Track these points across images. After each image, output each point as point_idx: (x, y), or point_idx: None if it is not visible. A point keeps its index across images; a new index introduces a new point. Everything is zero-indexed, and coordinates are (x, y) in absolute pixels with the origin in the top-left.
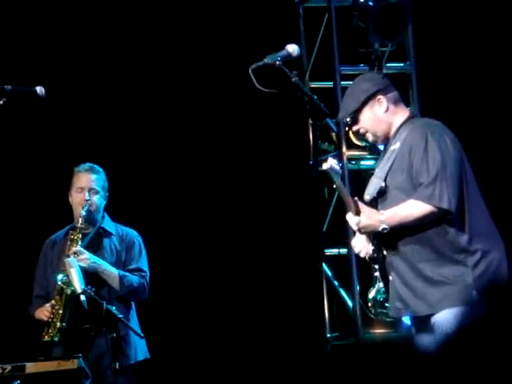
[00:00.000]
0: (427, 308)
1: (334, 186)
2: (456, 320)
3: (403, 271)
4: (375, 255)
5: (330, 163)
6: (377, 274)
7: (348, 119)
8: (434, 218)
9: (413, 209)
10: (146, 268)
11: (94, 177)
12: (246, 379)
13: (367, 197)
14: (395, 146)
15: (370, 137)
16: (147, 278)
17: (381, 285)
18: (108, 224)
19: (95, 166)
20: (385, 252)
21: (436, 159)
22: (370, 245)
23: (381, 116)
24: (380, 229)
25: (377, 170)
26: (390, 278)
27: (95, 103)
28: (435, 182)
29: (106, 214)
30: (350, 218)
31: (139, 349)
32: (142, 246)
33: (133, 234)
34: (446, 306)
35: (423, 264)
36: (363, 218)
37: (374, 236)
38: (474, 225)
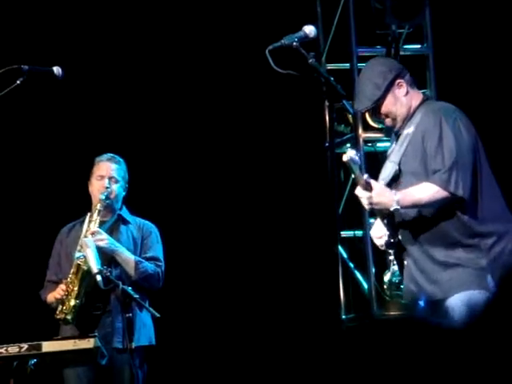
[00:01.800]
0: (441, 292)
1: (353, 177)
2: (469, 304)
3: (417, 256)
4: (391, 240)
5: (350, 154)
6: (391, 257)
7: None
8: (446, 204)
9: (427, 192)
10: (161, 258)
11: (114, 166)
12: (261, 362)
13: (381, 181)
14: (409, 129)
15: (388, 121)
16: (162, 268)
17: (395, 268)
18: (126, 214)
19: (116, 156)
20: (400, 237)
21: (451, 147)
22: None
23: (402, 100)
24: (392, 208)
25: (391, 153)
26: (406, 262)
27: (116, 95)
28: (451, 170)
29: (124, 206)
30: (361, 193)
31: (143, 334)
32: (159, 236)
33: (150, 225)
34: (460, 289)
35: (436, 249)
36: (375, 195)
37: (389, 221)
38: (488, 208)
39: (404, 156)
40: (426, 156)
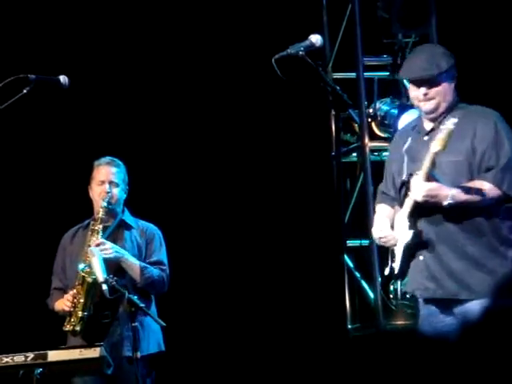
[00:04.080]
0: (467, 293)
1: (427, 166)
2: (494, 312)
3: (443, 252)
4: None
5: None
6: (398, 251)
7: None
8: (496, 203)
9: (483, 189)
10: (165, 261)
11: (114, 170)
12: (266, 370)
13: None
14: (448, 124)
15: (431, 104)
16: (167, 272)
17: (396, 267)
18: (128, 217)
19: (115, 159)
20: (419, 228)
21: (507, 148)
22: (396, 231)
23: (451, 91)
24: (445, 202)
25: (412, 147)
26: (421, 257)
27: (117, 97)
28: (505, 170)
29: (125, 209)
30: (422, 184)
31: (152, 341)
32: (162, 239)
33: (153, 227)
34: (487, 295)
35: (469, 247)
36: (435, 187)
37: (413, 211)
38: None
39: (447, 148)
40: (474, 155)
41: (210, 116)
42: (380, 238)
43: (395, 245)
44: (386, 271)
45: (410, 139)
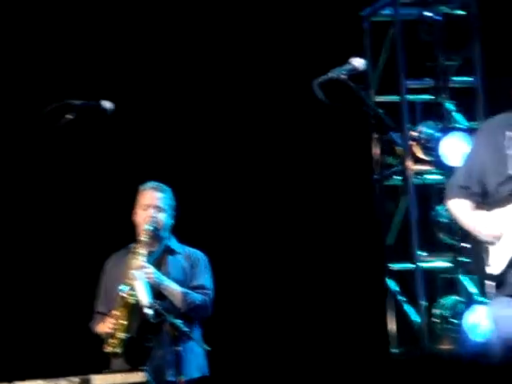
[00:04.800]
0: None
1: None
2: None
3: None
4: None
5: None
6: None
7: None
8: None
9: None
10: (209, 286)
11: (160, 195)
12: None
13: None
14: None
15: None
16: (211, 296)
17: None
18: (174, 244)
19: (161, 184)
20: None
21: None
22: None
23: None
24: None
25: None
26: None
27: (162, 122)
28: None
29: (172, 236)
30: None
31: (193, 365)
32: (208, 264)
33: (199, 253)
34: None
35: None
36: None
37: None
38: None
39: None
40: None
41: (254, 139)
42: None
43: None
44: (488, 270)
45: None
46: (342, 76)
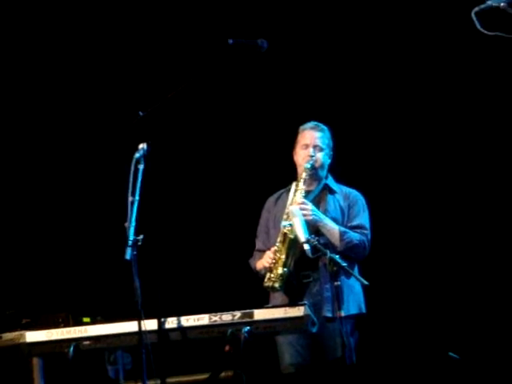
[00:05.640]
0: None
1: None
2: None
3: None
4: None
5: None
6: None
7: None
8: None
9: None
10: (367, 225)
11: (319, 134)
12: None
13: None
14: None
15: None
16: (369, 237)
17: None
18: (332, 183)
19: (320, 124)
20: None
21: None
22: None
23: None
24: None
25: None
26: None
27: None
28: None
29: (329, 175)
30: None
31: (352, 302)
32: (365, 205)
33: (356, 193)
34: None
35: None
36: None
37: None
38: None
39: None
40: None
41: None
42: None
43: None
44: None
45: None
46: (502, 4)
